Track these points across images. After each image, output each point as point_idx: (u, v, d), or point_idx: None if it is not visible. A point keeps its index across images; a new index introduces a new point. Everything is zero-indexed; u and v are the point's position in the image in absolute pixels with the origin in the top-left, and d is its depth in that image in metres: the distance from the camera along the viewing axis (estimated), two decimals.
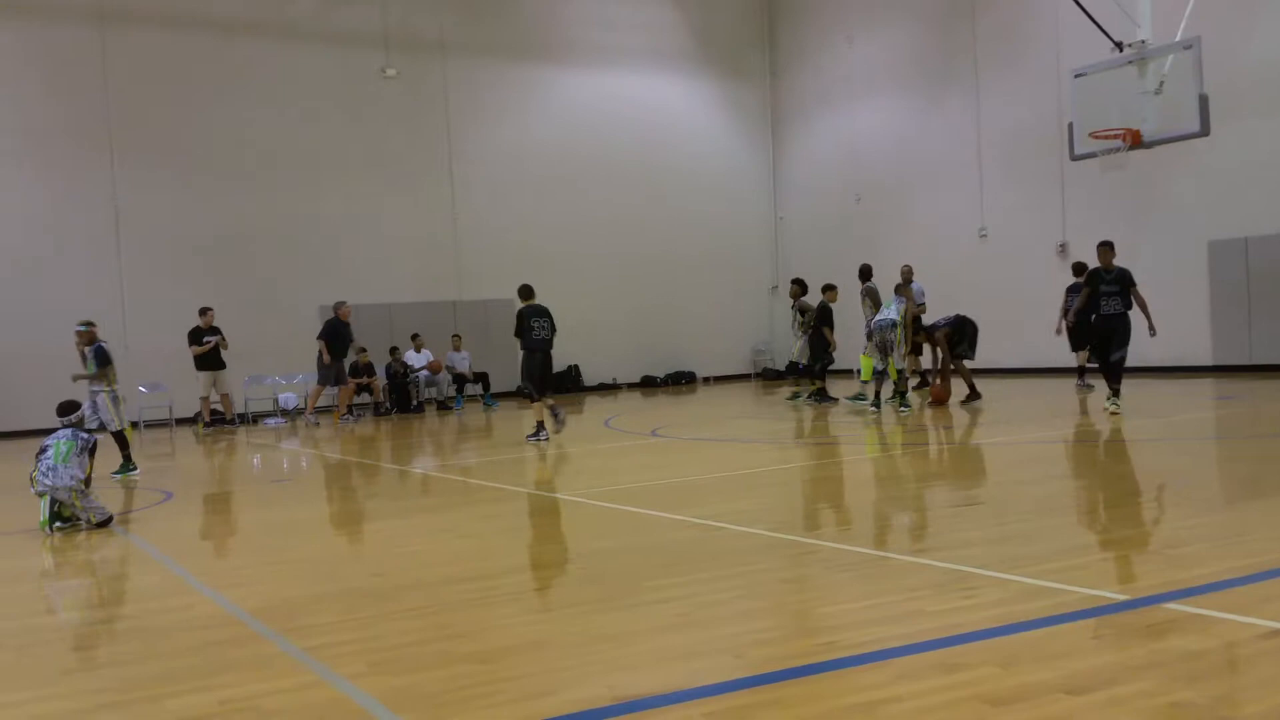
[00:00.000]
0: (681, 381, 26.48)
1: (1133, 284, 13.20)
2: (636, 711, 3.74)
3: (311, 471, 13.27)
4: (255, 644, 4.94)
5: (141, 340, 21.04)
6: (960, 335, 16.68)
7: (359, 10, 23.35)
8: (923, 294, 18.70)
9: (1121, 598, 4.92)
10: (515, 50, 25.11)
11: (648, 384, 26.15)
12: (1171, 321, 19.21)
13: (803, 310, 18.22)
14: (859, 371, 17.09)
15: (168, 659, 4.77)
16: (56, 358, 20.04)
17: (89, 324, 13.17)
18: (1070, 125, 16.10)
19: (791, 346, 18.98)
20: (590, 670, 4.27)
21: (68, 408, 9.08)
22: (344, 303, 20.06)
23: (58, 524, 8.47)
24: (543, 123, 25.36)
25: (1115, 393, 13.23)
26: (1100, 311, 13.21)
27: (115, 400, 12.65)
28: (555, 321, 14.39)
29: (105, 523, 8.56)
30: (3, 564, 7.71)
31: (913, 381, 17.77)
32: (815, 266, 21.85)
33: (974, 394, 16.03)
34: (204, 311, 19.54)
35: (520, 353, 14.43)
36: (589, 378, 25.91)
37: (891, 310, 15.28)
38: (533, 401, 14.12)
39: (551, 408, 14.05)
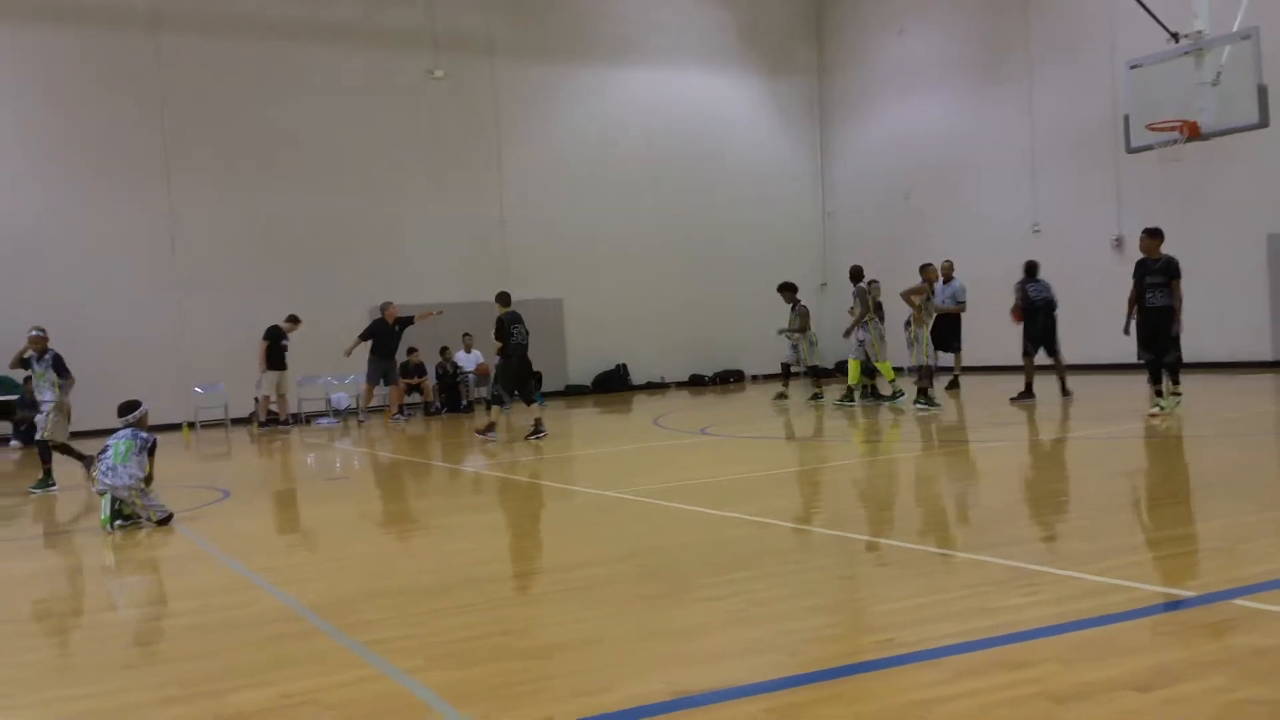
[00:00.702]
0: (729, 380, 26.40)
1: (1178, 275, 12.49)
2: (694, 707, 3.73)
3: (365, 471, 13.37)
4: (314, 639, 4.98)
5: (196, 341, 21.36)
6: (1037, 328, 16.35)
7: (406, 13, 23.50)
8: (964, 291, 18.55)
9: (1186, 594, 4.84)
10: (562, 50, 25.17)
11: (695, 382, 26.09)
12: (1230, 316, 18.93)
13: (805, 314, 18.25)
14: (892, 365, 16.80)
15: (229, 654, 4.82)
16: (115, 359, 20.44)
17: (43, 330, 12.83)
18: (1126, 117, 15.87)
19: (799, 350, 18.62)
20: (646, 666, 4.26)
21: (128, 407, 9.19)
22: (390, 303, 20.23)
23: (119, 522, 8.59)
24: (589, 122, 25.40)
25: (1172, 392, 12.62)
26: (1145, 304, 12.52)
27: (60, 411, 12.44)
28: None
29: (165, 520, 8.68)
30: (65, 561, 7.84)
31: (942, 381, 17.66)
32: (864, 262, 21.59)
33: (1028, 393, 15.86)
34: (294, 319, 19.96)
35: (497, 357, 15.11)
36: (636, 376, 25.91)
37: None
38: (500, 404, 15.04)
39: (535, 426, 14.73)
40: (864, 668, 4.07)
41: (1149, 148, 15.40)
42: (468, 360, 22.37)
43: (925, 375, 15.26)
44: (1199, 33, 14.78)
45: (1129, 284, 13.00)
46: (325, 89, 22.73)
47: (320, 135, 22.65)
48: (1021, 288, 16.44)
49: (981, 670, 3.95)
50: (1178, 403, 12.60)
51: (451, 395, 22.06)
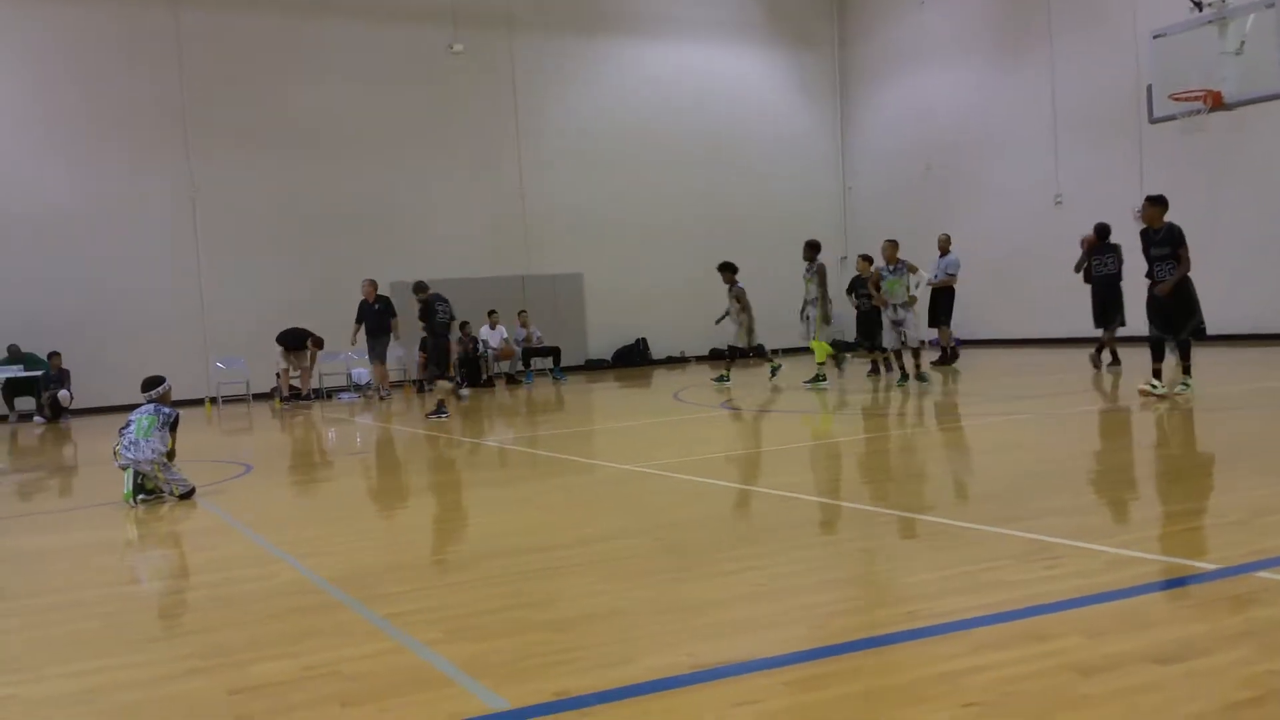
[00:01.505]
0: (749, 354, 26.32)
1: (1183, 243, 11.68)
2: (715, 679, 3.72)
3: (385, 445, 13.42)
4: (335, 611, 5.00)
5: (218, 317, 21.47)
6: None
7: None
8: (957, 265, 18.45)
9: (1209, 567, 4.81)
10: (581, 23, 25.07)
11: (716, 356, 26.05)
12: (1254, 286, 18.77)
13: (742, 295, 17.68)
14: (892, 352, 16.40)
15: (251, 626, 4.85)
16: (137, 334, 20.56)
17: None
18: (1149, 88, 15.76)
19: (734, 331, 18.10)
20: (668, 638, 4.26)
21: (151, 382, 9.23)
22: (367, 281, 19.93)
23: (141, 496, 8.65)
24: (609, 96, 25.32)
25: (1185, 370, 11.95)
26: (1154, 277, 11.80)
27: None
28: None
29: (188, 495, 8.73)
30: (89, 535, 7.90)
31: (931, 358, 17.56)
32: (884, 235, 21.52)
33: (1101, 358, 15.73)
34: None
35: (422, 336, 15.80)
36: (656, 351, 25.91)
37: (921, 275, 15.18)
38: (439, 380, 15.30)
39: (456, 387, 15.25)
40: (886, 640, 4.06)
41: (1172, 118, 15.30)
42: (493, 336, 22.41)
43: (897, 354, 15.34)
44: (1222, 2, 14.60)
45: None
46: (345, 64, 22.73)
47: (340, 110, 22.66)
48: (1088, 256, 16.03)
49: (1005, 643, 3.94)
50: (1191, 388, 11.76)
51: (473, 370, 22.10)
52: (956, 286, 18.76)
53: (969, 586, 4.69)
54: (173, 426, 8.92)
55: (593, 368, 24.85)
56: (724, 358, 18.61)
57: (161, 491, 8.73)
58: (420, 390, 19.99)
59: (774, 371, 17.54)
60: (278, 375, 20.01)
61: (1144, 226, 12.03)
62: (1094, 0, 21.43)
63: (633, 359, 25.27)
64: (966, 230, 23.48)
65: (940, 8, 24.88)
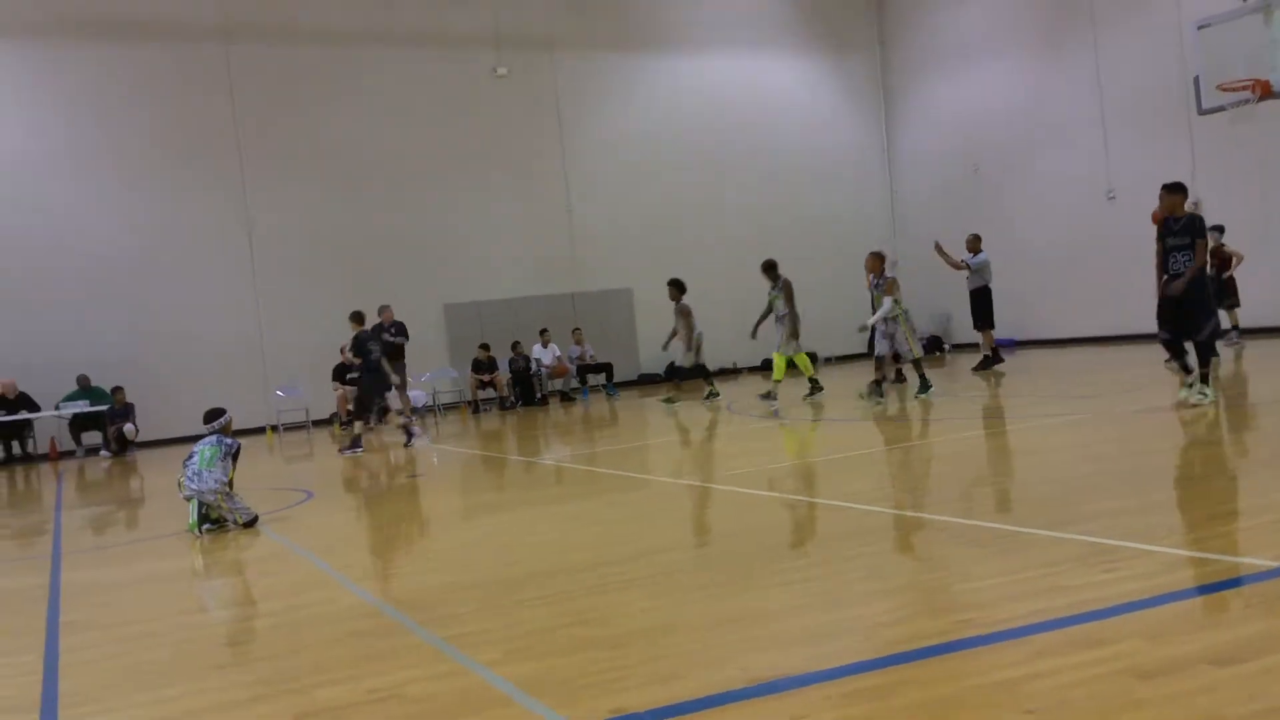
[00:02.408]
0: (691, 374, 26.22)
1: (1203, 234, 10.73)
2: (770, 694, 3.74)
3: (442, 466, 13.55)
4: (397, 634, 5.08)
5: (276, 345, 21.80)
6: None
7: (470, 12, 23.67)
8: (984, 264, 18.02)
9: (1271, 565, 4.74)
10: (622, 40, 25.19)
11: (768, 367, 25.86)
12: None
13: (687, 313, 17.37)
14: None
15: (315, 651, 4.94)
16: (198, 366, 20.93)
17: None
18: (1196, 78, 15.55)
19: (679, 351, 17.85)
20: (722, 653, 4.29)
21: (213, 414, 9.42)
22: (386, 307, 19.42)
23: (206, 525, 8.82)
24: (651, 111, 25.40)
25: (1204, 379, 10.57)
26: (1169, 270, 10.70)
27: None
28: None
29: (251, 523, 8.89)
30: (156, 565, 8.07)
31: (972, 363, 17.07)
32: (934, 237, 21.42)
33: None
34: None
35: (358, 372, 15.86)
36: (709, 363, 25.82)
37: (886, 304, 14.33)
38: (358, 419, 15.60)
39: (406, 426, 15.62)
40: (944, 649, 4.06)
41: (1221, 108, 15.09)
42: (545, 354, 22.56)
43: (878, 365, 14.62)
44: None
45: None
46: (392, 91, 23.02)
47: (388, 136, 22.95)
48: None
49: (1063, 649, 3.92)
50: (1210, 397, 10.55)
51: (526, 389, 22.25)
52: (1001, 285, 18.52)
53: (1026, 592, 4.67)
54: (234, 456, 9.09)
55: (645, 382, 24.89)
56: (701, 377, 18.27)
57: (225, 520, 8.90)
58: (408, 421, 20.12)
59: (710, 396, 17.42)
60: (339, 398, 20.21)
61: (1164, 216, 10.99)
62: None
63: (685, 372, 25.25)
64: (1018, 228, 23.27)
65: (980, 4, 24.71)
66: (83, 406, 20.03)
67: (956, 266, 18.21)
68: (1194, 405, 10.37)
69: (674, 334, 17.92)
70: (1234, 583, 4.50)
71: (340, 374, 20.50)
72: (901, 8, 27.13)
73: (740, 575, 5.59)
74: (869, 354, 18.42)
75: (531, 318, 23.18)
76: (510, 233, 23.93)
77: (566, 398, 22.55)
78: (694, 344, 17.69)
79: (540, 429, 17.21)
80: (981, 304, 18.16)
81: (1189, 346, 10.73)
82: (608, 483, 10.07)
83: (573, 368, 22.79)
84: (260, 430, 20.95)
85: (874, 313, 14.65)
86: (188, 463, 8.98)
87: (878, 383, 14.47)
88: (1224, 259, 17.62)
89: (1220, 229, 17.84)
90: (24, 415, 19.91)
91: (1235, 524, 5.78)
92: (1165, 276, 10.70)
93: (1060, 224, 22.56)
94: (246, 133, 21.95)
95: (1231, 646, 3.71)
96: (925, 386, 14.14)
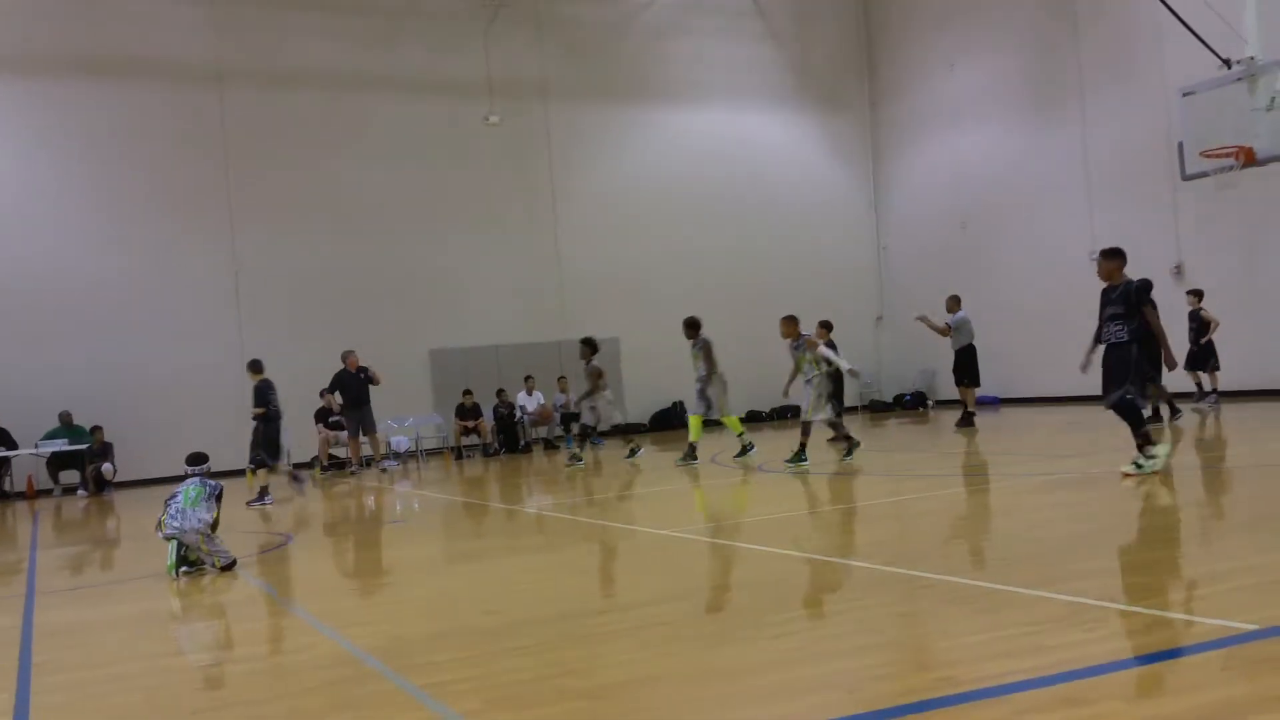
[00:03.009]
0: (787, 415, 26.27)
1: (1145, 302, 10.31)
2: None
3: (424, 513, 13.48)
4: (375, 682, 5.04)
5: None
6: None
7: (463, 60, 23.88)
8: (964, 323, 18.25)
9: (1250, 627, 4.74)
10: (615, 91, 25.44)
11: (753, 418, 26.00)
12: None
13: (596, 374, 17.34)
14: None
15: (292, 698, 4.89)
16: (180, 407, 20.83)
17: None
18: (1180, 145, 15.75)
19: (605, 411, 17.76)
20: (704, 705, 4.26)
21: (197, 458, 9.39)
22: (350, 352, 19.62)
23: (184, 568, 8.73)
24: (643, 162, 25.60)
25: (1138, 447, 10.05)
26: (1103, 339, 10.25)
27: None
28: None
29: (229, 566, 8.81)
30: (132, 607, 7.98)
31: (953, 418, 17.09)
32: (921, 294, 21.61)
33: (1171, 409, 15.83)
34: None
35: (255, 422, 15.57)
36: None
37: (836, 358, 14.34)
38: (265, 467, 15.25)
39: (293, 474, 15.60)
40: (925, 706, 4.04)
41: (1205, 174, 15.27)
42: (529, 401, 22.54)
43: (804, 431, 14.20)
44: (1251, 59, 14.64)
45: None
46: (383, 138, 23.16)
47: (378, 183, 23.04)
48: None
49: (1043, 708, 3.91)
50: (1146, 468, 9.96)
51: (509, 436, 22.20)
52: (986, 343, 18.75)
53: (1007, 651, 4.66)
54: (218, 498, 9.05)
55: (631, 431, 24.85)
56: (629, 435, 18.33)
57: (204, 563, 8.82)
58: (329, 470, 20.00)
59: (632, 452, 17.46)
60: (321, 443, 20.14)
61: (1104, 282, 10.41)
62: (1123, 59, 21.52)
63: (670, 422, 25.26)
64: (1003, 288, 23.47)
65: (970, 68, 25.06)
66: (62, 445, 19.91)
67: (943, 333, 18.42)
68: (1127, 475, 9.87)
69: (585, 395, 17.67)
70: (1215, 644, 4.50)
71: (323, 417, 20.50)
72: (892, 71, 27.49)
73: (724, 628, 5.57)
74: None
75: (518, 364, 23.19)
76: (499, 279, 23.99)
77: (550, 445, 22.50)
78: (601, 402, 17.57)
79: (523, 476, 17.16)
80: (966, 361, 18.30)
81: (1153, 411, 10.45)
82: (590, 532, 10.03)
83: (557, 415, 22.76)
84: (241, 473, 20.80)
85: (795, 376, 14.57)
86: (170, 502, 8.92)
87: (844, 439, 14.33)
88: (1202, 323, 17.80)
89: (1199, 293, 18.03)
90: (2, 453, 19.76)
91: (1216, 586, 5.79)
92: (1093, 346, 10.38)
93: (1045, 284, 22.74)
94: (236, 175, 22.02)
95: (1215, 708, 3.71)
96: (798, 456, 13.72)
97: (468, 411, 21.99)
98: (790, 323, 14.89)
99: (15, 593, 8.97)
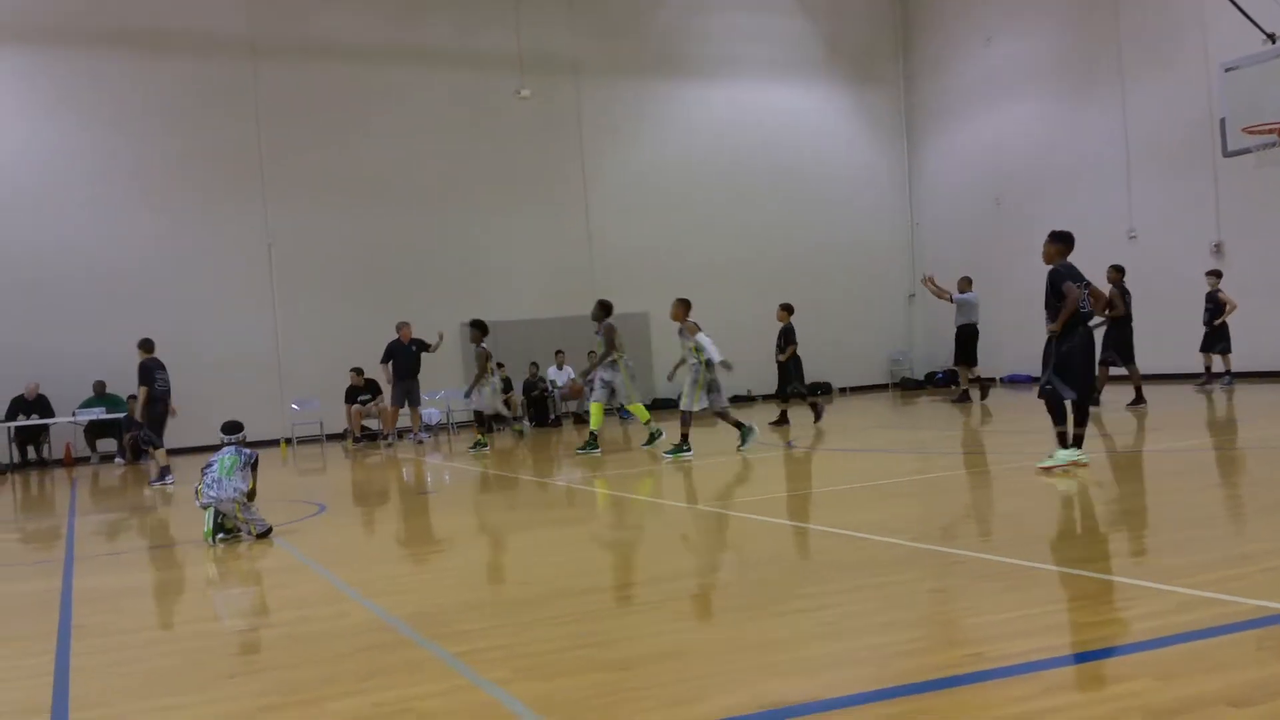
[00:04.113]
0: (816, 392, 26.18)
1: (1061, 280, 10.10)
2: (783, 719, 3.73)
3: (455, 484, 13.57)
4: (407, 649, 5.09)
5: (293, 360, 21.88)
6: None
7: (495, 33, 23.85)
8: (969, 304, 18.95)
9: None
10: (647, 66, 25.33)
11: (780, 395, 25.89)
12: None
13: (485, 358, 16.94)
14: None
15: (325, 664, 4.94)
16: (214, 377, 21.01)
17: None
18: (1222, 121, 15.55)
19: (489, 399, 17.35)
20: (735, 678, 4.27)
21: (233, 427, 9.48)
22: (405, 323, 19.83)
23: (220, 535, 8.84)
24: (674, 137, 25.51)
25: (1059, 439, 9.57)
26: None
27: None
28: None
29: (265, 534, 8.91)
30: (170, 574, 8.09)
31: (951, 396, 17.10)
32: (953, 272, 21.39)
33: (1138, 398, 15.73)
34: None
35: (140, 401, 15.61)
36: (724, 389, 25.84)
37: (710, 349, 13.68)
38: (157, 448, 15.16)
39: (161, 472, 15.08)
40: (954, 682, 4.04)
41: (1247, 151, 15.07)
42: (560, 376, 22.59)
43: (685, 421, 13.79)
44: None
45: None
46: (415, 110, 23.19)
47: (410, 156, 23.09)
48: None
49: (1075, 685, 3.90)
50: (1058, 460, 9.52)
51: (540, 410, 22.27)
52: (1017, 320, 19.06)
53: (1038, 628, 4.65)
54: (254, 466, 9.14)
55: (660, 406, 24.87)
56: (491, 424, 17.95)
57: (239, 531, 8.92)
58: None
59: (520, 433, 17.65)
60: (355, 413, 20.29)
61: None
62: (1164, 33, 21.22)
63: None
64: (1036, 265, 23.20)
65: (1008, 44, 24.77)
66: (99, 413, 20.14)
67: (940, 296, 18.85)
68: (1042, 469, 9.44)
69: (475, 380, 17.30)
70: (1250, 624, 4.47)
71: (352, 396, 20.65)
72: (928, 45, 27.21)
73: (755, 601, 5.58)
74: (776, 396, 17.78)
75: (549, 339, 23.24)
76: (530, 254, 24.02)
77: (580, 419, 22.56)
78: (490, 387, 17.24)
79: (554, 450, 17.22)
80: (965, 340, 18.68)
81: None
82: (622, 506, 10.06)
83: (586, 389, 22.78)
84: (275, 443, 21.01)
85: (682, 363, 14.02)
86: (206, 470, 9.02)
87: (736, 424, 13.88)
88: (1218, 304, 17.66)
89: (1218, 274, 17.88)
90: (40, 420, 20.02)
91: (1251, 566, 5.74)
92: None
93: (1080, 261, 22.43)
94: (269, 148, 22.12)
95: (1249, 687, 3.68)
96: (679, 448, 13.39)
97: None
98: (679, 306, 14.21)
99: (55, 557, 9.12)
